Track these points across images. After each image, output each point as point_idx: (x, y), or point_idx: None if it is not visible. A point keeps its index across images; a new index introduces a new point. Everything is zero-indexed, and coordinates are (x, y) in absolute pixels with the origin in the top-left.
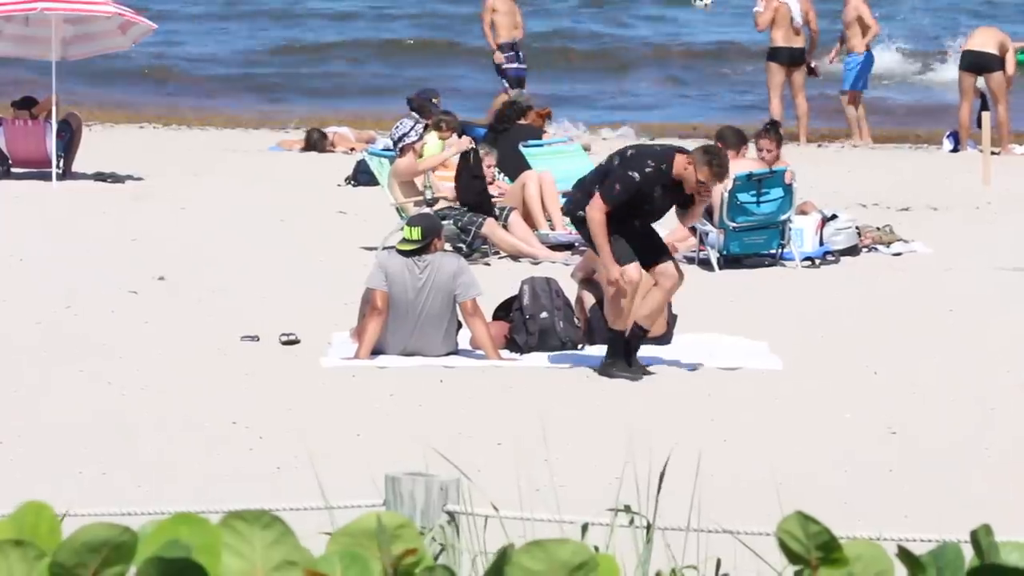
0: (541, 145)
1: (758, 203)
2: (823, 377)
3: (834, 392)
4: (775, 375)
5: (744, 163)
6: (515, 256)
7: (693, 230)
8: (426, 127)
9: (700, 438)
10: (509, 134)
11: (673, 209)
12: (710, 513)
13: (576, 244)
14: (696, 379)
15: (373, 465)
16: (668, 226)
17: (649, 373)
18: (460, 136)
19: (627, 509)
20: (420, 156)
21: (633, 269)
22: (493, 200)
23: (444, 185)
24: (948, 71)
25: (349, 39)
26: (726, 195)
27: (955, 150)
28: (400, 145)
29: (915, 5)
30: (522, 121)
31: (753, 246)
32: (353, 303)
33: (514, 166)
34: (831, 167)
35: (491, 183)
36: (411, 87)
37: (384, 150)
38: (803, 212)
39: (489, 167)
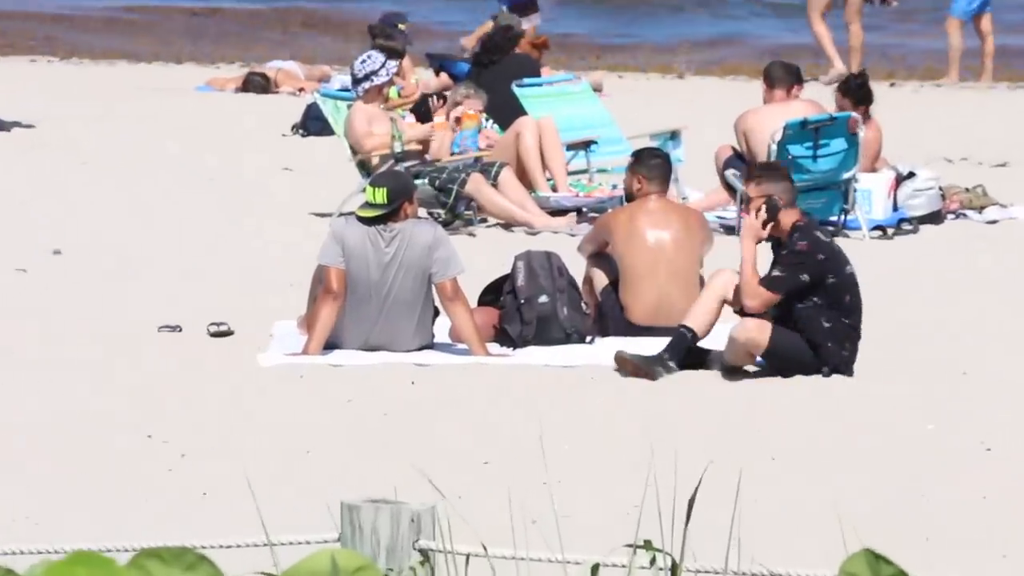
0: (540, 84)
1: (815, 158)
2: (898, 379)
3: (912, 398)
4: (836, 375)
5: (797, 106)
6: (507, 224)
7: (732, 191)
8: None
9: (740, 455)
10: (499, 68)
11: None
12: (753, 550)
13: (583, 209)
14: (735, 380)
15: (326, 490)
16: (703, 188)
17: (673, 370)
18: (437, 74)
19: (648, 545)
20: (387, 100)
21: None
22: (480, 153)
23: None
24: None
25: None
26: (775, 147)
27: None
28: (365, 85)
29: None
30: (516, 50)
31: (809, 211)
32: (301, 284)
33: (506, 110)
34: (908, 112)
35: (478, 131)
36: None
37: (341, 90)
38: (872, 169)
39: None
